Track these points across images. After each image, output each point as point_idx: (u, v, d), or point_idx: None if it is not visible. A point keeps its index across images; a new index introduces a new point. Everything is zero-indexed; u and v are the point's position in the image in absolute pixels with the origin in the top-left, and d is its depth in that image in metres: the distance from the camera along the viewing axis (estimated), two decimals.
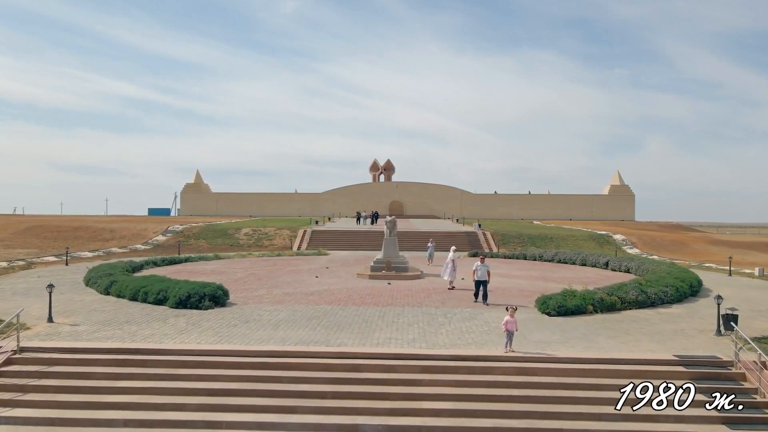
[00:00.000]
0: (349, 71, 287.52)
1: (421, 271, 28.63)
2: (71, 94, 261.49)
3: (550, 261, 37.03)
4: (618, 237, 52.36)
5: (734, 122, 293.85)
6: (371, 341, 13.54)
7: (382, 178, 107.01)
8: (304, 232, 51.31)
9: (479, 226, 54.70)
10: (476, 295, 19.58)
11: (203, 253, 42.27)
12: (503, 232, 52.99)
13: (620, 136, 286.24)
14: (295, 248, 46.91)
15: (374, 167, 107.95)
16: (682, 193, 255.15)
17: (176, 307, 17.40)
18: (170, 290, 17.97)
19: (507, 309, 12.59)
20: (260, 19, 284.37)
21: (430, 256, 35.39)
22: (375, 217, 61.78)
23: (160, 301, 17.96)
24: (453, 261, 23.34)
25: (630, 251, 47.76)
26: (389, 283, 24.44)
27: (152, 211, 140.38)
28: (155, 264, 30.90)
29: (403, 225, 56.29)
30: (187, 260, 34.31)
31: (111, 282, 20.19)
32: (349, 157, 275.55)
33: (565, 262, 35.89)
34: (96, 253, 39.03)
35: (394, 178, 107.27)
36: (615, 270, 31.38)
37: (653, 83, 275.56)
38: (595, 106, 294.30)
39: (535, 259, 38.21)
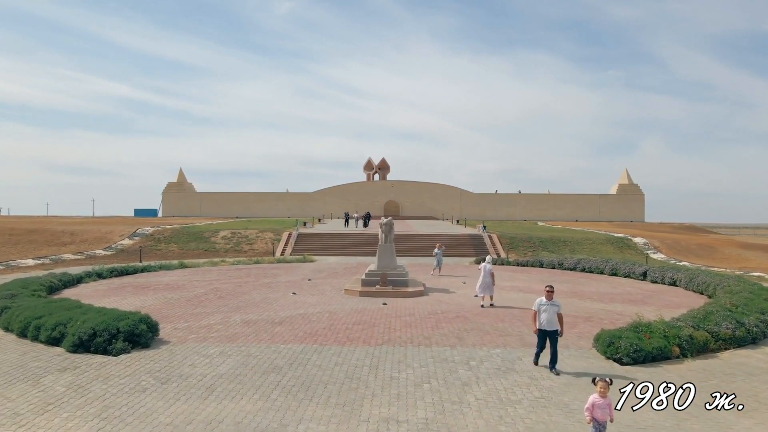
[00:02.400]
0: (345, 72, 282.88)
1: (424, 285, 23.27)
2: (65, 95, 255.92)
3: (572, 270, 31.72)
4: (638, 240, 47.13)
5: (729, 124, 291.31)
6: (356, 426, 8.14)
7: (377, 177, 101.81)
8: (289, 235, 45.87)
9: (484, 228, 49.39)
10: (539, 355, 11.45)
11: (173, 259, 36.84)
12: (511, 235, 47.67)
13: (615, 137, 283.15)
14: (277, 254, 41.47)
15: (368, 166, 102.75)
16: (677, 195, 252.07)
17: (74, 351, 11.93)
18: (71, 324, 12.49)
19: (595, 381, 7.21)
20: (255, 20, 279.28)
21: (438, 264, 29.69)
22: (367, 218, 56.19)
23: (55, 341, 12.49)
24: (492, 273, 19.15)
25: (654, 257, 42.56)
26: (385, 304, 19.04)
27: (138, 212, 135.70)
28: (99, 276, 25.37)
29: (399, 227, 51.01)
30: (144, 270, 28.80)
31: (2, 308, 14.68)
32: (344, 159, 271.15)
33: (591, 271, 30.59)
34: (41, 261, 33.42)
35: (389, 177, 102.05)
36: (656, 282, 26.10)
37: (648, 85, 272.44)
38: (590, 107, 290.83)
39: (553, 267, 32.91)
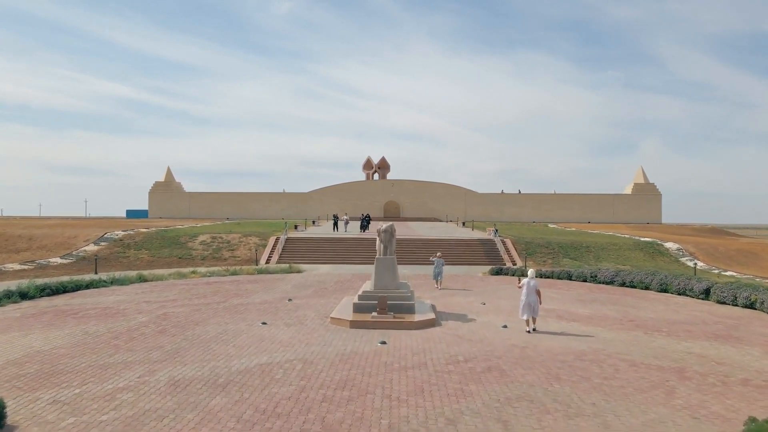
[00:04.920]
0: (344, 72, 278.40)
1: (434, 309, 18.10)
2: (65, 95, 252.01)
3: (609, 284, 26.49)
4: (670, 246, 41.87)
5: (728, 124, 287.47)
6: None
7: (376, 177, 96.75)
8: (276, 240, 40.64)
9: (496, 231, 44.09)
10: None
11: (141, 268, 31.77)
12: (526, 240, 42.42)
13: (615, 137, 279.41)
14: (262, 261, 36.33)
15: (368, 165, 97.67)
16: (676, 195, 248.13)
17: None
18: None
19: None
20: (255, 20, 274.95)
21: (438, 277, 24.95)
22: (366, 221, 50.73)
23: None
24: (538, 291, 15.39)
25: (689, 264, 37.34)
26: (384, 342, 13.80)
27: (130, 213, 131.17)
28: (23, 296, 20.10)
29: (400, 230, 45.76)
30: (89, 285, 23.54)
31: None
32: (344, 159, 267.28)
33: (634, 286, 25.36)
34: None
35: (389, 177, 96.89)
36: (724, 303, 20.80)
37: (648, 85, 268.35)
38: (590, 107, 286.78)
39: (585, 280, 27.68)
